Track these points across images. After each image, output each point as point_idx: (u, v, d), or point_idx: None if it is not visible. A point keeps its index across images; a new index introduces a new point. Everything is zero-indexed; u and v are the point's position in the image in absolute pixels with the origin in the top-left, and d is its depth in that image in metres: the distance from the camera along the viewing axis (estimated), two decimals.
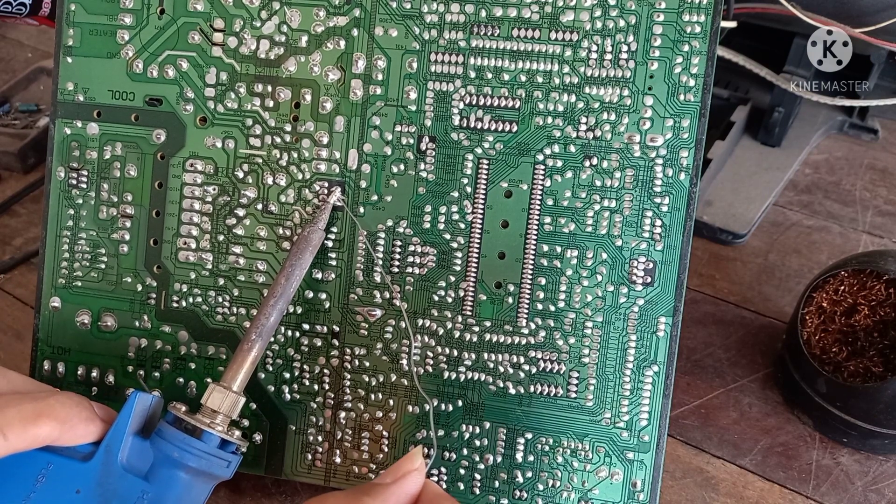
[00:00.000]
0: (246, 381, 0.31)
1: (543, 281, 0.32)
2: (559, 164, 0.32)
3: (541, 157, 0.32)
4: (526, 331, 0.33)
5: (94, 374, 0.35)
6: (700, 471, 0.37)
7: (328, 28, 0.33)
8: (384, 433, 0.34)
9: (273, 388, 0.34)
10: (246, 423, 0.35)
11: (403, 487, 0.26)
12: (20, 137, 0.57)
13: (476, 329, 0.33)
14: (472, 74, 0.32)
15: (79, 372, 0.35)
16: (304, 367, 0.34)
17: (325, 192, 0.33)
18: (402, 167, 0.33)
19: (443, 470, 0.33)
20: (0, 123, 0.59)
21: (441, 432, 0.33)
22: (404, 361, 0.33)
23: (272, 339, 0.34)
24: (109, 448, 0.28)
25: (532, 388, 0.33)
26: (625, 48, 0.31)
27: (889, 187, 0.54)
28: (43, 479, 0.28)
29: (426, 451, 0.33)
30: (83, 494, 0.28)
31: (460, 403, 0.33)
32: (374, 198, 0.33)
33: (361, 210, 0.33)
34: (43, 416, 0.27)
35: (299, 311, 0.34)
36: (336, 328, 0.34)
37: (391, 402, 0.34)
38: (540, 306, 0.32)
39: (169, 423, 0.29)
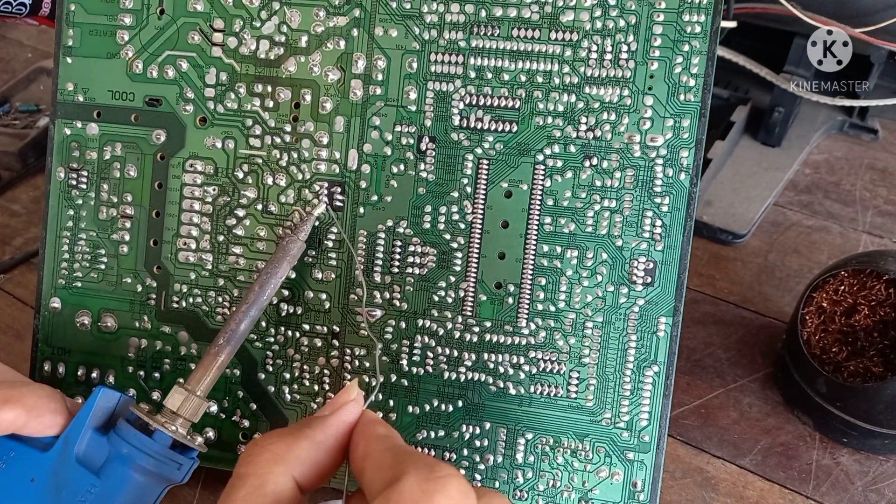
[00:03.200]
0: (211, 385, 0.30)
1: (543, 281, 0.32)
2: (559, 164, 0.32)
3: (541, 158, 0.32)
4: (526, 331, 0.33)
5: (95, 374, 0.35)
6: (700, 471, 0.37)
7: (328, 28, 0.33)
8: None
9: (273, 389, 0.34)
10: (246, 423, 0.35)
11: (341, 417, 0.26)
12: (20, 137, 0.57)
13: (476, 329, 0.33)
14: (472, 74, 0.32)
15: (79, 373, 0.35)
16: (305, 367, 0.34)
17: (321, 197, 0.33)
18: (402, 167, 0.33)
19: None
20: (0, 123, 0.59)
21: (441, 433, 0.33)
22: (404, 361, 0.33)
23: (272, 340, 0.34)
24: (68, 440, 0.28)
25: (532, 389, 0.33)
26: (625, 48, 0.31)
27: (889, 187, 0.54)
28: (3, 465, 0.28)
29: (368, 380, 0.33)
30: (37, 483, 0.28)
31: (460, 404, 0.33)
32: (374, 198, 0.33)
33: (361, 210, 0.33)
34: (11, 402, 0.27)
35: (299, 311, 0.34)
36: (336, 328, 0.34)
37: (391, 402, 0.34)
38: (540, 306, 0.32)
39: (129, 421, 0.29)
